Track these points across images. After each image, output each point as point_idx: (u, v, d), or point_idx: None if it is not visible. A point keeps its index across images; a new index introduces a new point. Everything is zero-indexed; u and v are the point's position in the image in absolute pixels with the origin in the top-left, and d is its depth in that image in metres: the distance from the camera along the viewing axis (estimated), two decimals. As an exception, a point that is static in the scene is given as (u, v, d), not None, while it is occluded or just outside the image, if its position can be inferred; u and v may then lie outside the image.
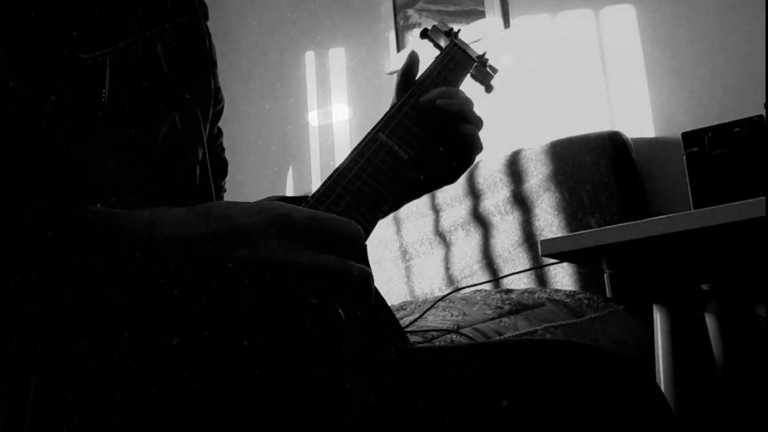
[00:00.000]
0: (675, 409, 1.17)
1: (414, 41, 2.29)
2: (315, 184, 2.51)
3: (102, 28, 0.57)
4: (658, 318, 1.25)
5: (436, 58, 0.85)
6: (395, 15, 2.36)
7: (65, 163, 0.51)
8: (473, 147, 0.75)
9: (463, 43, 0.91)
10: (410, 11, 2.33)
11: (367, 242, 0.54)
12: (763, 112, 1.25)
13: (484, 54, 0.93)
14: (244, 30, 2.81)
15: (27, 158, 0.50)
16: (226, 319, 0.44)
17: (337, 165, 0.62)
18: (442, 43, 0.91)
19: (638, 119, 1.88)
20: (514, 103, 2.05)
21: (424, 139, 0.69)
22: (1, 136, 0.49)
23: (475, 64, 0.91)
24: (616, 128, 1.84)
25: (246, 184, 2.67)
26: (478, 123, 0.75)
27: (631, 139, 1.82)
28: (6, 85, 0.49)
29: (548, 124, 1.99)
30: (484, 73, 0.93)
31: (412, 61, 0.79)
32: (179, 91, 0.63)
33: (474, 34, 2.17)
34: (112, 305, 0.42)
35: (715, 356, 1.33)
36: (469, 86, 0.87)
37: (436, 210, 2.02)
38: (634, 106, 1.89)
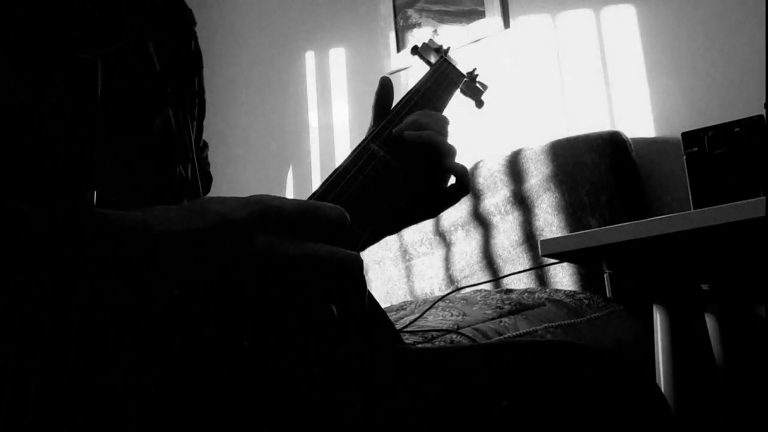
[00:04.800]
0: (675, 409, 1.17)
1: (414, 41, 2.29)
2: (315, 184, 2.51)
3: (102, 30, 0.57)
4: (658, 318, 1.25)
5: (426, 73, 0.87)
6: (395, 15, 2.35)
7: (65, 162, 0.52)
8: (458, 175, 0.72)
9: (453, 60, 0.94)
10: (410, 11, 2.33)
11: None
12: (763, 112, 1.25)
13: (474, 70, 0.97)
14: (245, 30, 2.81)
15: (27, 158, 0.50)
16: (222, 315, 0.45)
17: (336, 165, 0.63)
18: (432, 59, 0.93)
19: (638, 119, 1.88)
20: (514, 103, 2.05)
21: (402, 169, 0.68)
22: (1, 136, 0.49)
23: (465, 79, 0.94)
24: (616, 128, 1.84)
25: (246, 184, 2.67)
26: (450, 153, 0.71)
27: (631, 139, 1.82)
28: (6, 85, 0.49)
29: (548, 124, 2.00)
30: (474, 89, 0.97)
31: (383, 88, 0.76)
32: (170, 87, 0.64)
33: (474, 34, 2.17)
34: (110, 304, 0.42)
35: (715, 356, 1.33)
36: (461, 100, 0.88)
37: (436, 210, 2.02)
38: (634, 106, 1.89)
